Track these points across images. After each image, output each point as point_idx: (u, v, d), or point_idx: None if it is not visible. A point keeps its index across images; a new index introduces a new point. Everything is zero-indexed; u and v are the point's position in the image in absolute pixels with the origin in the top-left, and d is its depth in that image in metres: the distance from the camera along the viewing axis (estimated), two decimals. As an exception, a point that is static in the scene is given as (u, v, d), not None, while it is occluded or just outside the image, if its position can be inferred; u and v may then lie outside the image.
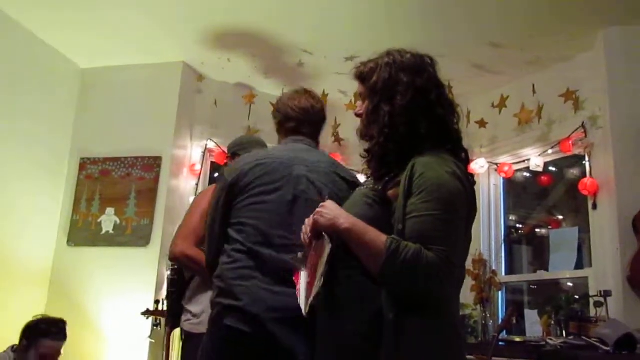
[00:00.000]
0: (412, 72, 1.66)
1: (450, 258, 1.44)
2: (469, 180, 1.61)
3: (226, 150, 3.09)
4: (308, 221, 1.68)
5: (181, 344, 2.79)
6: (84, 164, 4.47)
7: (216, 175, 4.68)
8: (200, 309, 2.65)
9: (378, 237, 1.49)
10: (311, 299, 1.58)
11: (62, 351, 3.28)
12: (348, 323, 1.55)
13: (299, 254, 1.72)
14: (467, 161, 1.72)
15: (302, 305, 1.61)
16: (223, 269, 2.05)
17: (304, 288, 1.64)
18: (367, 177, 1.79)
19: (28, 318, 3.30)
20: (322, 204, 1.65)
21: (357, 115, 1.77)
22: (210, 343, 2.03)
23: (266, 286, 1.95)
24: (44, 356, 3.17)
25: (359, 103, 1.79)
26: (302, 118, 2.36)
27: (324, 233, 1.60)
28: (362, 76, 1.75)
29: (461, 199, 1.54)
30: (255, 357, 1.94)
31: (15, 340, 3.24)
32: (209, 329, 2.07)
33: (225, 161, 3.08)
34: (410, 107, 1.62)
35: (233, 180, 2.14)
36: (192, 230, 2.64)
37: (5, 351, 3.21)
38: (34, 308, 3.76)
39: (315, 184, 2.14)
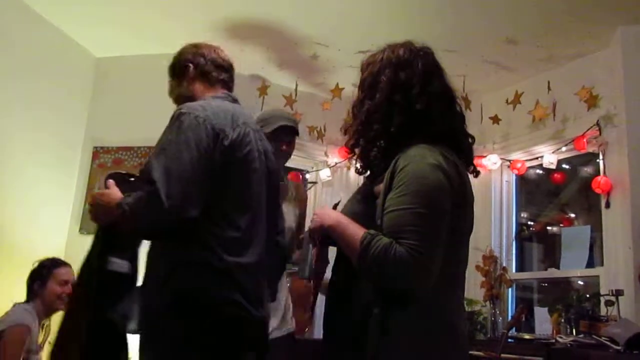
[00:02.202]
0: (396, 67, 1.62)
1: (424, 252, 1.39)
2: (458, 172, 1.53)
3: None
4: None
5: None
6: (96, 152, 4.49)
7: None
8: None
9: (356, 232, 1.47)
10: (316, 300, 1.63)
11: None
12: (342, 317, 1.56)
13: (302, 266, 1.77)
14: (469, 151, 1.67)
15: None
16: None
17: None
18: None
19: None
20: (314, 211, 1.67)
21: None
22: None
23: None
24: (65, 282, 3.14)
25: None
26: (231, 74, 2.17)
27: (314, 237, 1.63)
28: (361, 69, 1.75)
29: (442, 192, 1.47)
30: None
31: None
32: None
33: None
34: (385, 103, 1.60)
35: (234, 140, 1.92)
36: None
37: (13, 308, 3.09)
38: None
39: (269, 164, 2.09)
